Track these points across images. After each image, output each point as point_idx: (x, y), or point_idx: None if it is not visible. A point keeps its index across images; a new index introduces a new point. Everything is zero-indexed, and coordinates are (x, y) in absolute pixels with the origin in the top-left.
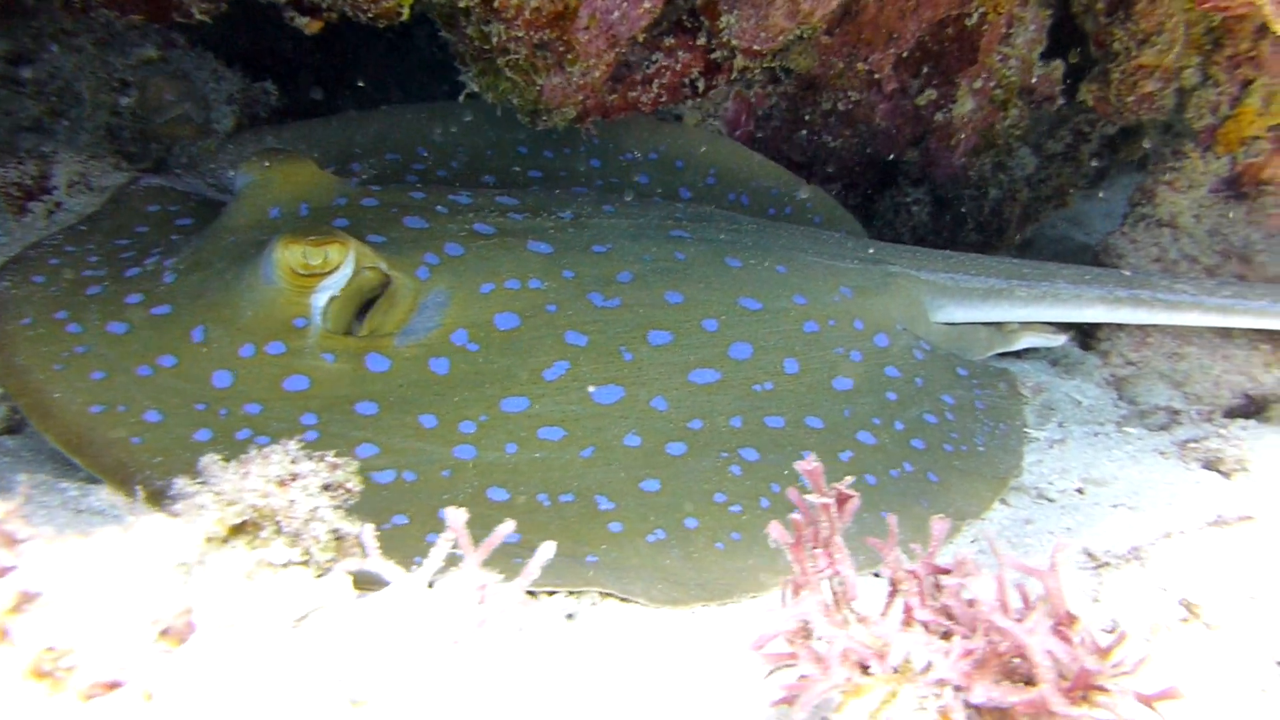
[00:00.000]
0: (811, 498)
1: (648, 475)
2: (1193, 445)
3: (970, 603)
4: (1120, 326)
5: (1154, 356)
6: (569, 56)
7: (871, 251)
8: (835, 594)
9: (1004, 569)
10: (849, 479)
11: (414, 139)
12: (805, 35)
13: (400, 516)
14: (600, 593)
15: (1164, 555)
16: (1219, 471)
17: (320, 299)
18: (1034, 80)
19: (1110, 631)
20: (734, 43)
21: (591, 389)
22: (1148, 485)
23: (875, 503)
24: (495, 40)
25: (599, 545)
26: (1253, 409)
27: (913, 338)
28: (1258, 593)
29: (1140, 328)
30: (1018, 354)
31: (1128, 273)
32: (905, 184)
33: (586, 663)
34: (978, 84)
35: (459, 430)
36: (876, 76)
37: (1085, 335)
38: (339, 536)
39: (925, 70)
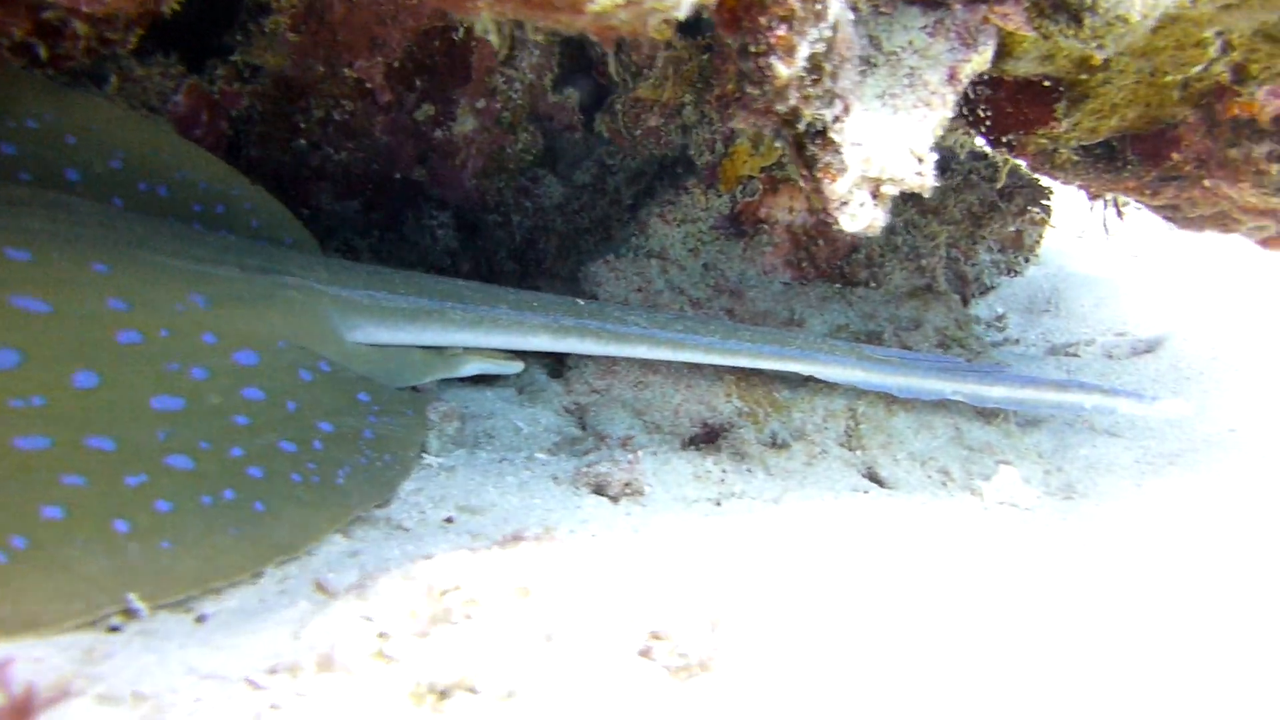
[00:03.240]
0: None
1: None
2: (585, 471)
3: None
4: (589, 355)
5: (618, 385)
6: None
7: (268, 261)
8: None
9: None
10: None
11: None
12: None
13: None
14: None
15: (390, 585)
16: (607, 496)
17: None
18: (548, 106)
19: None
20: None
21: None
22: (524, 511)
23: (163, 529)
24: None
25: None
26: (709, 437)
27: (306, 357)
28: (460, 620)
29: (608, 357)
30: (489, 380)
31: (581, 302)
32: (430, 206)
33: None
34: (480, 104)
35: None
36: (368, 86)
37: (558, 363)
38: None
39: (420, 84)
